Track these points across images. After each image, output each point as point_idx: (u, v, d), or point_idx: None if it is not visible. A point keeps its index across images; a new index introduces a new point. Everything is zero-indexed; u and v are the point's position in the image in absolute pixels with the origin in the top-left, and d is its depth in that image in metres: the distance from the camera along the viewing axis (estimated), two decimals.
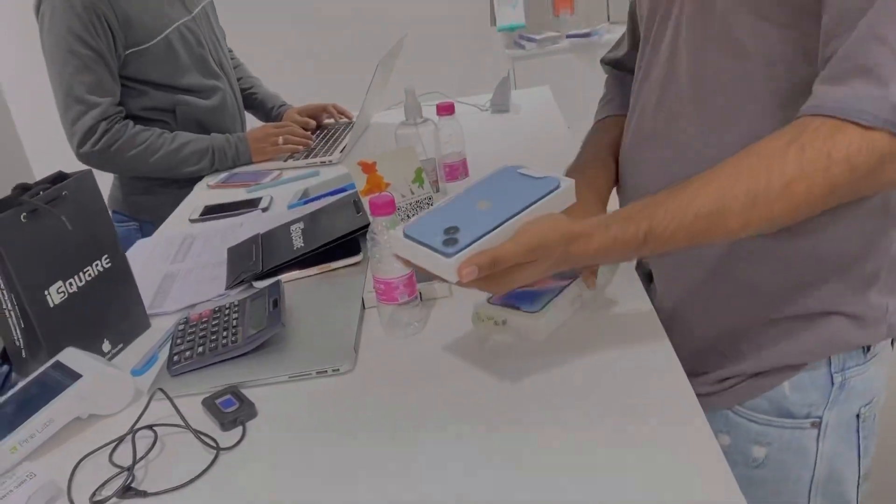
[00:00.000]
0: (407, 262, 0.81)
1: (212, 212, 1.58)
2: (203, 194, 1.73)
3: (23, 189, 0.97)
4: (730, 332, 0.92)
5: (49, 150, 2.89)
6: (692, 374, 0.89)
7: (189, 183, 1.82)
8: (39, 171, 3.50)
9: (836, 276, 0.85)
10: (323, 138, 1.98)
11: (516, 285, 0.77)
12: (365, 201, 1.18)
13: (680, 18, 0.86)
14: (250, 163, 1.86)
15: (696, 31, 0.83)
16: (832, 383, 0.89)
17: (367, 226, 1.22)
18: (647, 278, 1.04)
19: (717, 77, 0.83)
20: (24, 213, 0.93)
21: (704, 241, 0.74)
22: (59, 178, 1.02)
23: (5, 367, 1.40)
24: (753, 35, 0.78)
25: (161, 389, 0.89)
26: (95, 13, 1.65)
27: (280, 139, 1.85)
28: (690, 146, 0.87)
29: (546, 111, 2.02)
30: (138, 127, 1.75)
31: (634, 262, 1.07)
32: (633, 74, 1.04)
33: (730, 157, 0.73)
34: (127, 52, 1.72)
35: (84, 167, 1.66)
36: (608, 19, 3.37)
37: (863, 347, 0.89)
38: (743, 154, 0.73)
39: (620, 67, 1.14)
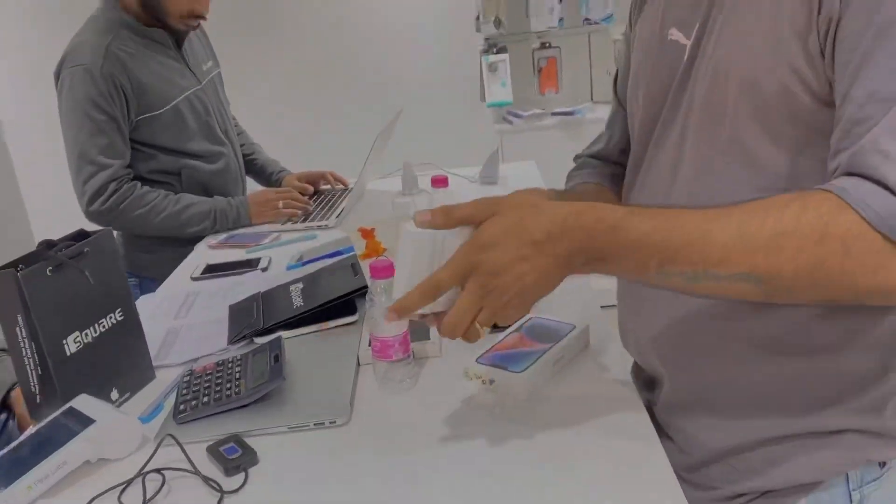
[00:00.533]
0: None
1: (213, 270, 1.65)
2: (204, 254, 1.81)
3: (48, 245, 1.05)
4: (740, 446, 0.87)
5: (50, 206, 2.97)
6: (701, 487, 0.89)
7: (189, 242, 1.90)
8: (38, 227, 3.56)
9: (853, 394, 0.81)
10: (320, 203, 2.07)
11: (490, 265, 0.72)
12: (364, 264, 1.26)
13: (686, 126, 0.84)
14: (250, 224, 1.94)
15: (705, 141, 0.81)
16: (850, 501, 0.84)
17: (363, 287, 1.30)
18: (646, 386, 1.01)
19: (727, 190, 0.79)
20: (50, 268, 1.00)
21: (676, 260, 0.69)
22: (81, 235, 1.10)
23: (3, 416, 1.45)
24: (767, 150, 0.76)
25: (171, 435, 0.94)
26: (113, 82, 1.75)
27: (280, 203, 1.95)
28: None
29: (532, 185, 2.12)
30: (145, 188, 1.84)
31: (630, 367, 1.04)
32: (613, 165, 1.07)
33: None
34: (139, 118, 1.82)
35: (95, 225, 1.75)
36: (591, 99, 3.54)
37: (879, 462, 0.84)
38: (748, 200, 0.70)
39: (601, 160, 1.12)
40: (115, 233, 1.92)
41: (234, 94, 2.20)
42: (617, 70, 1.09)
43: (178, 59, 1.92)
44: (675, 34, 0.85)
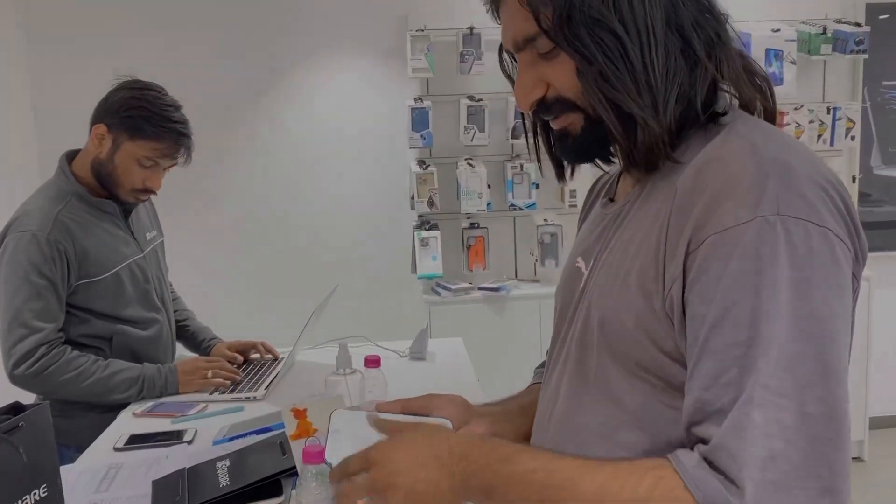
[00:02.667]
0: None
1: (137, 441, 1.63)
2: (128, 422, 1.79)
3: None
4: None
5: None
6: None
7: (110, 409, 1.87)
8: None
9: None
10: (249, 374, 2.09)
11: (393, 465, 0.80)
12: (294, 445, 1.29)
13: (568, 354, 0.89)
14: (177, 393, 1.94)
15: (577, 373, 0.86)
16: None
17: (291, 468, 1.32)
18: None
19: (589, 424, 0.83)
20: None
21: (551, 501, 0.74)
22: (16, 408, 1.11)
23: None
24: (627, 392, 0.80)
25: None
26: (57, 248, 1.80)
27: (209, 373, 1.96)
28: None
29: (459, 362, 2.22)
30: (74, 353, 1.83)
31: None
32: None
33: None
34: (78, 283, 1.85)
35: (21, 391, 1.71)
36: (516, 277, 3.75)
37: None
38: (617, 459, 0.75)
39: None
40: (34, 397, 1.91)
41: (174, 261, 2.27)
42: None
43: (124, 228, 1.98)
44: (580, 262, 0.92)
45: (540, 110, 0.86)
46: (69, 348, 1.83)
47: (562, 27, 0.78)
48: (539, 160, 0.96)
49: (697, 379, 0.72)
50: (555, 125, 0.87)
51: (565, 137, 0.86)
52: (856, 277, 0.74)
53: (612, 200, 0.94)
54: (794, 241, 0.68)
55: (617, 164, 0.93)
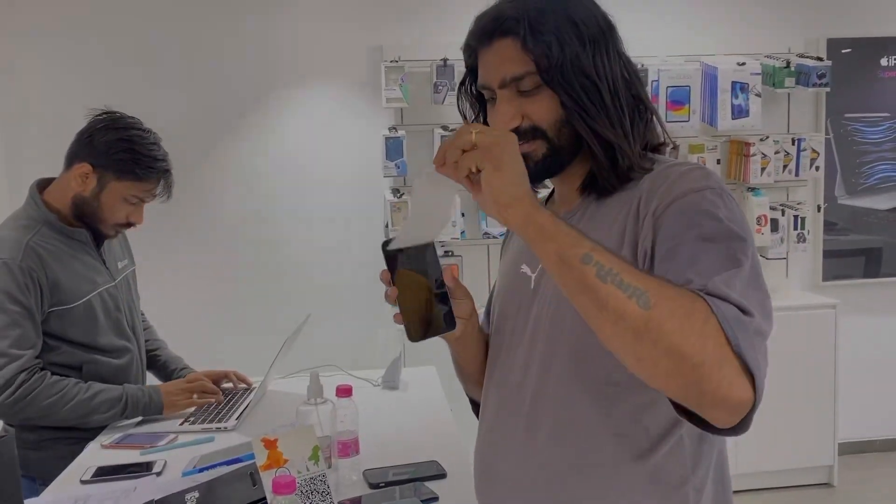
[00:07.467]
0: None
1: (105, 473, 1.61)
2: (96, 454, 1.76)
3: None
4: None
5: None
6: None
7: (79, 440, 1.84)
8: None
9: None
10: (219, 404, 2.07)
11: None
12: (264, 475, 1.29)
13: (535, 335, 1.06)
14: (161, 413, 1.94)
15: (551, 345, 1.04)
16: None
17: (262, 499, 1.31)
18: None
19: (571, 391, 1.03)
20: None
21: (601, 252, 0.88)
22: None
23: None
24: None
25: None
26: (30, 275, 1.78)
27: (195, 395, 1.99)
28: (532, 456, 1.06)
29: (432, 390, 2.22)
30: (55, 377, 1.81)
31: None
32: None
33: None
34: (50, 310, 1.83)
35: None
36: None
37: None
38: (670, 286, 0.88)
39: None
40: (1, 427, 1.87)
41: (146, 290, 2.25)
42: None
43: (95, 256, 1.97)
44: (525, 268, 1.11)
45: None
46: (48, 373, 1.81)
47: (557, 72, 0.98)
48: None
49: (673, 269, 0.90)
50: None
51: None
52: None
53: None
54: (727, 200, 0.95)
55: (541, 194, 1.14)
